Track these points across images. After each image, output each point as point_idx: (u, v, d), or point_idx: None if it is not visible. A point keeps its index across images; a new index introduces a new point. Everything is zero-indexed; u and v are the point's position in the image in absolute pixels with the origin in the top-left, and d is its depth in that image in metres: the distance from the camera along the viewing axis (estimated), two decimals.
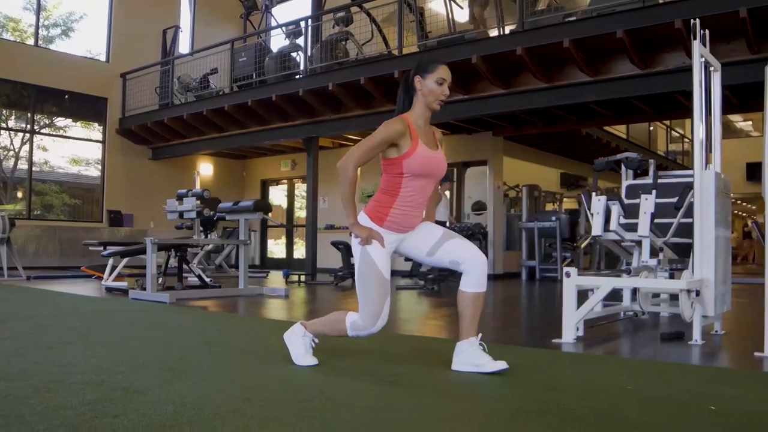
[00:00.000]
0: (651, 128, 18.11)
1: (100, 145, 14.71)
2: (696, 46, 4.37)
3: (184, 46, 15.63)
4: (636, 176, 7.10)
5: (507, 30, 9.16)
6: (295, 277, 10.64)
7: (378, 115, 10.45)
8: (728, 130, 21.26)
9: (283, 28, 11.87)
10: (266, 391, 2.74)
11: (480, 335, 3.16)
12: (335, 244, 10.20)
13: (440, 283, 9.08)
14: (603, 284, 4.29)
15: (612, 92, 8.47)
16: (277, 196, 16.58)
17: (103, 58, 14.82)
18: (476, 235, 10.80)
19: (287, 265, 14.58)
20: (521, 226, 12.23)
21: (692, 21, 4.41)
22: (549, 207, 13.78)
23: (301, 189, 15.70)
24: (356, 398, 2.65)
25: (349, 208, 3.08)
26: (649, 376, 3.25)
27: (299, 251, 15.64)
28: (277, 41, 12.87)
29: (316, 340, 3.32)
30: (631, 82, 8.12)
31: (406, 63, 9.40)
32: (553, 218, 11.59)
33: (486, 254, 10.94)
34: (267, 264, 15.81)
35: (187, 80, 13.45)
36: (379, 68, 9.71)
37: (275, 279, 11.27)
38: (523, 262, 12.11)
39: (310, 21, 11.33)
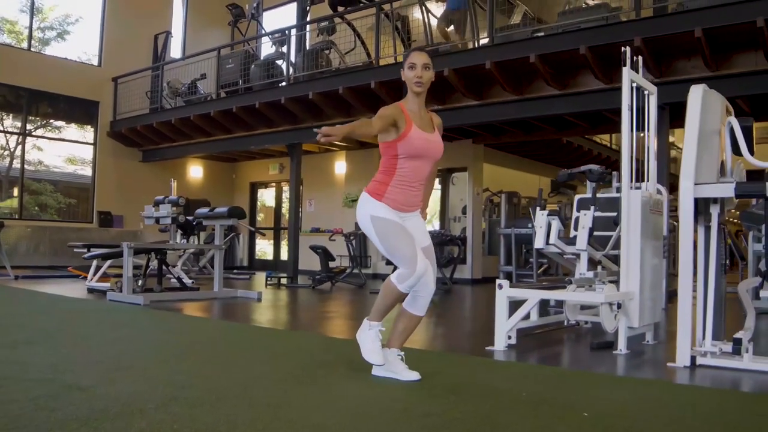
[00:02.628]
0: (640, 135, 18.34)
1: (91, 147, 14.96)
2: (626, 72, 4.64)
3: (175, 51, 15.89)
4: (600, 188, 7.37)
5: (483, 42, 9.42)
6: (275, 280, 10.89)
7: None
8: None
9: (269, 35, 12.14)
10: (194, 390, 3.01)
11: (402, 354, 3.43)
12: (314, 248, 10.46)
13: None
14: (531, 296, 4.55)
15: (581, 105, 8.72)
16: (267, 198, 16.86)
17: (95, 62, 15.09)
18: (455, 240, 11.05)
19: (274, 266, 14.84)
20: (499, 232, 12.48)
21: (623, 48, 4.67)
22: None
23: (288, 192, 15.96)
24: (269, 398, 2.92)
25: (350, 124, 3.18)
26: (554, 382, 3.51)
27: (286, 253, 15.90)
28: (267, 48, 13.13)
29: (383, 328, 3.38)
30: (598, 95, 8.36)
31: (382, 74, 9.68)
32: (530, 225, 11.82)
33: (464, 260, 11.14)
34: (255, 265, 16.08)
35: (176, 85, 13.71)
36: (357, 78, 9.97)
37: (259, 281, 11.53)
38: (501, 267, 12.34)
39: (294, 30, 11.58)
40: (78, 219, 14.84)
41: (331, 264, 10.57)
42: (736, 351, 3.98)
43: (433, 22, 10.56)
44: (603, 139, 15.43)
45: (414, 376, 3.31)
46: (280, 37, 11.70)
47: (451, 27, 10.06)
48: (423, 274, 3.21)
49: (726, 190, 4.07)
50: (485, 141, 12.56)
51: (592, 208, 5.24)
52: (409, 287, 3.23)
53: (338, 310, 7.55)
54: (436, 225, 13.52)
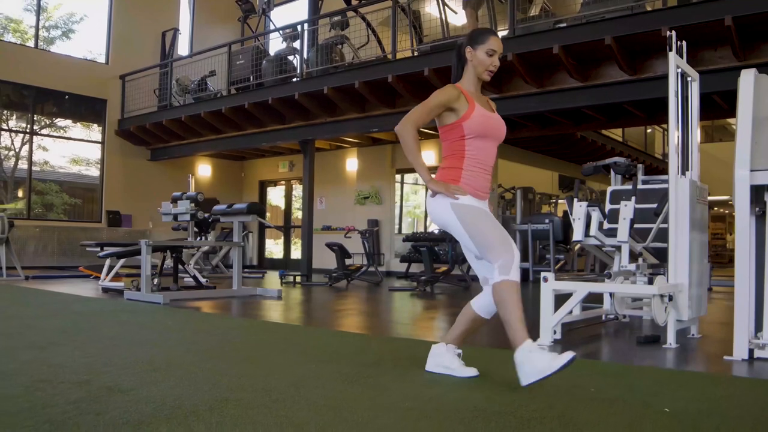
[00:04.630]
0: (648, 131, 18.22)
1: (99, 145, 14.84)
2: (672, 57, 4.48)
3: (182, 48, 15.77)
4: (624, 180, 7.22)
5: (503, 34, 9.27)
6: (290, 278, 10.76)
7: (373, 119, 10.60)
8: (727, 133, 21.37)
9: (280, 31, 12.00)
10: (243, 391, 2.86)
11: (461, 351, 3.29)
12: (330, 245, 10.31)
13: (432, 284, 9.20)
14: (578, 289, 4.40)
15: (603, 98, 8.56)
16: (275, 196, 16.72)
17: (102, 59, 14.95)
18: None
19: (284, 265, 14.70)
20: (515, 228, 12.33)
21: (668, 32, 4.52)
22: (545, 209, 13.87)
23: (298, 190, 15.82)
24: (326, 399, 2.76)
25: (423, 167, 3.00)
26: (616, 378, 3.36)
27: (297, 252, 15.77)
28: (275, 44, 12.99)
29: (534, 341, 2.89)
30: (621, 87, 8.22)
31: (399, 67, 9.53)
32: (547, 221, 11.67)
33: None
34: (264, 264, 15.94)
35: (185, 82, 13.58)
36: (374, 72, 9.82)
37: (271, 279, 11.40)
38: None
39: (306, 25, 11.43)
40: (85, 219, 14.69)
41: (347, 261, 10.43)
42: None
43: (451, 15, 10.40)
44: (615, 134, 15.27)
45: (472, 372, 3.18)
46: (292, 32, 11.56)
47: (481, 8, 9.86)
48: (518, 256, 2.91)
49: None
50: None
51: (633, 199, 5.07)
52: (517, 275, 2.88)
53: (362, 308, 7.41)
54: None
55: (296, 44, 11.48)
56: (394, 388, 3.00)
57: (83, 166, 15.10)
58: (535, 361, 2.75)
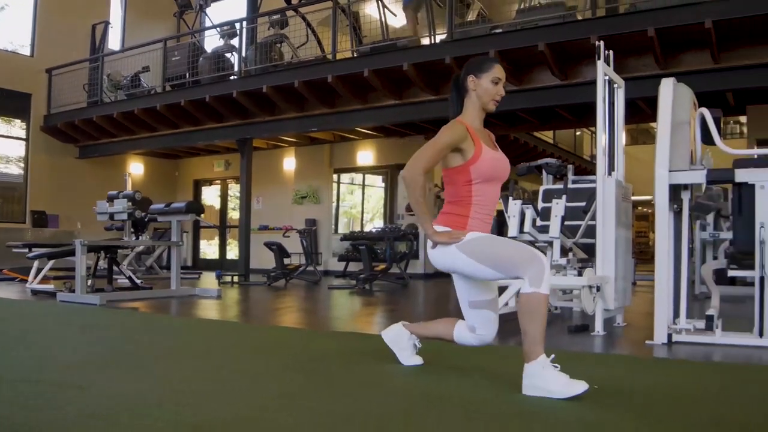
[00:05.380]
0: (577, 133, 18.91)
1: (23, 142, 14.29)
2: (600, 65, 4.82)
3: (114, 42, 15.42)
4: (555, 180, 7.59)
5: (438, 39, 9.56)
6: (227, 278, 10.79)
7: (312, 118, 10.74)
8: (649, 136, 22.31)
9: (218, 28, 11.99)
10: (198, 384, 3.04)
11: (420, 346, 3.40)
12: (268, 244, 10.40)
13: (371, 282, 9.40)
14: (514, 282, 4.67)
15: (536, 101, 8.96)
16: (211, 196, 16.61)
17: (27, 51, 14.40)
18: (408, 235, 11.15)
19: (220, 265, 14.63)
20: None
21: (596, 41, 4.85)
22: None
23: (234, 189, 15.78)
24: (279, 388, 2.95)
25: (426, 216, 2.86)
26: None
27: (232, 252, 15.74)
28: (212, 41, 12.94)
29: (552, 356, 2.73)
30: (553, 91, 8.62)
31: (339, 68, 9.70)
32: None
33: (417, 255, 11.28)
34: (199, 265, 15.82)
35: (117, 78, 13.33)
36: (314, 72, 9.96)
37: (208, 280, 11.39)
38: None
39: (245, 22, 11.47)
40: (6, 219, 14.04)
41: (286, 261, 10.53)
42: (709, 327, 4.22)
43: (390, 17, 10.63)
44: (546, 136, 15.82)
45: (417, 361, 3.34)
46: (230, 29, 11.57)
47: (421, 11, 10.11)
48: (545, 260, 2.76)
49: (698, 176, 4.29)
50: None
51: (564, 197, 5.40)
52: (549, 280, 2.71)
53: (304, 306, 7.58)
54: (379, 224, 13.62)
55: (234, 42, 11.49)
56: (342, 376, 3.20)
57: (3, 164, 14.47)
58: (549, 379, 2.65)
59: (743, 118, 14.10)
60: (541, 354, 2.68)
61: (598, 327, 4.66)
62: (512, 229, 5.53)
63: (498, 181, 2.99)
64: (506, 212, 5.73)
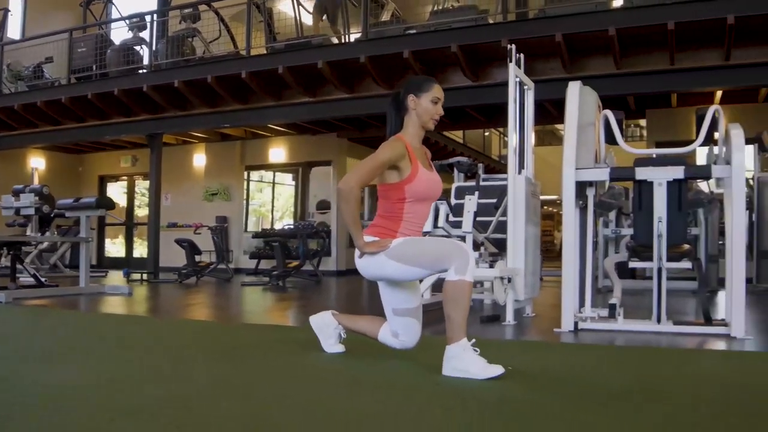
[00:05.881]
0: (486, 134, 19.43)
1: None
2: (512, 67, 5.04)
3: (14, 31, 14.76)
4: (467, 178, 7.83)
5: (353, 38, 9.68)
6: (136, 276, 10.55)
7: (224, 114, 10.62)
8: (555, 138, 23.18)
9: (127, 20, 11.68)
10: (128, 372, 3.06)
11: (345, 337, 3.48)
12: (179, 241, 10.24)
13: (285, 279, 9.42)
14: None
15: (448, 101, 8.86)
16: (116, 193, 16.12)
17: None
18: (320, 233, 11.22)
19: (126, 264, 14.23)
20: (364, 225, 12.79)
21: (508, 45, 5.07)
22: None
23: (141, 186, 15.41)
24: (207, 374, 2.99)
25: (358, 230, 2.95)
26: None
27: (138, 250, 15.36)
28: (119, 33, 12.57)
29: (473, 340, 2.89)
30: (465, 92, 8.85)
31: (253, 64, 9.67)
32: None
33: (329, 253, 11.37)
34: (104, 264, 15.34)
35: (17, 68, 12.77)
36: (227, 68, 9.88)
37: (115, 278, 11.11)
38: None
39: (155, 15, 11.23)
40: None
41: (197, 258, 10.39)
42: (612, 315, 4.51)
43: (304, 14, 10.67)
44: (456, 135, 16.18)
45: (339, 349, 3.43)
46: (140, 22, 11.31)
47: (325, 17, 10.21)
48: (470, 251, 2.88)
49: (602, 174, 4.57)
50: (350, 135, 12.83)
51: (476, 194, 5.61)
52: (473, 269, 2.84)
53: (218, 302, 7.54)
54: (289, 222, 13.61)
55: (144, 34, 11.23)
56: (268, 363, 3.29)
57: None
58: (468, 361, 2.79)
59: (643, 122, 14.84)
60: (463, 338, 2.82)
61: (509, 317, 4.88)
62: (427, 224, 5.68)
63: (430, 201, 3.09)
64: None
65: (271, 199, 15.04)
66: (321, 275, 10.62)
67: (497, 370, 2.78)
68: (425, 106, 3.05)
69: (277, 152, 13.61)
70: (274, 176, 14.82)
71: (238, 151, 13.80)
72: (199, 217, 12.99)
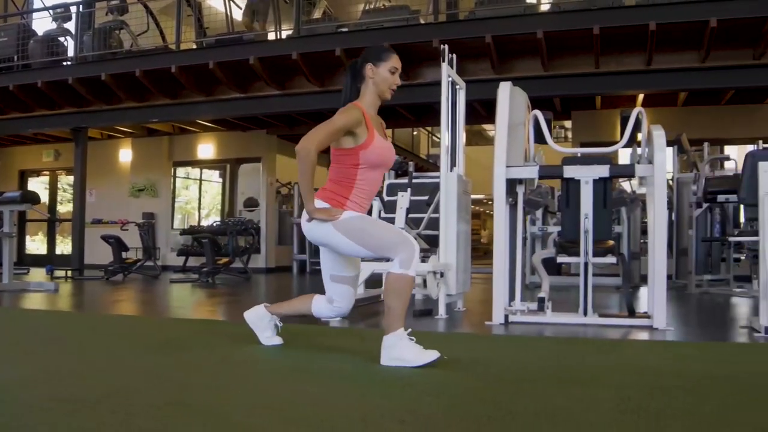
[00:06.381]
0: (414, 133, 19.63)
1: None
2: (444, 67, 5.14)
3: None
4: (397, 176, 7.92)
5: (288, 33, 9.64)
6: (61, 273, 10.24)
7: (153, 109, 10.42)
8: (482, 138, 23.62)
9: (50, 11, 11.32)
10: (64, 365, 2.99)
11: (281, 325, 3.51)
12: (106, 238, 9.99)
13: (214, 276, 9.31)
14: (364, 269, 4.89)
15: None
16: (38, 188, 15.56)
17: None
18: (250, 230, 11.13)
19: (48, 261, 13.78)
20: (293, 222, 12.77)
21: (442, 46, 5.17)
22: None
23: (64, 181, 14.95)
24: (143, 367, 2.96)
25: (310, 193, 2.94)
26: None
27: (61, 247, 14.89)
28: (44, 23, 12.18)
29: (409, 330, 2.98)
30: (396, 91, 8.91)
31: (183, 58, 9.52)
32: None
33: (259, 250, 11.30)
34: (25, 261, 14.81)
35: None
36: (156, 62, 9.69)
37: (38, 275, 10.76)
38: (295, 256, 12.66)
39: (81, 6, 10.90)
40: None
41: (124, 255, 10.16)
42: (540, 308, 4.67)
43: (236, 10, 10.56)
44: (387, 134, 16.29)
45: (276, 341, 3.45)
46: (64, 12, 10.97)
47: (256, 23, 10.14)
48: (418, 247, 2.95)
49: (532, 172, 4.72)
50: (280, 132, 12.77)
51: (409, 191, 5.70)
52: (415, 270, 2.92)
53: (148, 298, 7.40)
54: (216, 219, 13.47)
55: (68, 26, 10.90)
56: (205, 356, 3.29)
57: None
58: (404, 349, 2.88)
59: (568, 123, 15.27)
60: (400, 328, 2.91)
61: (442, 311, 4.98)
62: None
63: (383, 169, 3.12)
64: None
65: (197, 196, 14.83)
66: (250, 272, 10.54)
67: (433, 355, 2.87)
68: (383, 75, 3.05)
69: (206, 148, 13.42)
70: (201, 173, 14.62)
71: (165, 147, 13.53)
72: (125, 214, 12.71)
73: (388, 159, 3.10)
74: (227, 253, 10.19)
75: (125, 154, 13.78)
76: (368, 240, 2.93)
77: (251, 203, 13.17)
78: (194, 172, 14.63)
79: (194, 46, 10.10)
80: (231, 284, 9.09)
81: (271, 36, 9.95)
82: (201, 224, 13.31)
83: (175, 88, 10.09)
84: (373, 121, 3.08)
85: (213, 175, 14.72)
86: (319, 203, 3.00)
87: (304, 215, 3.02)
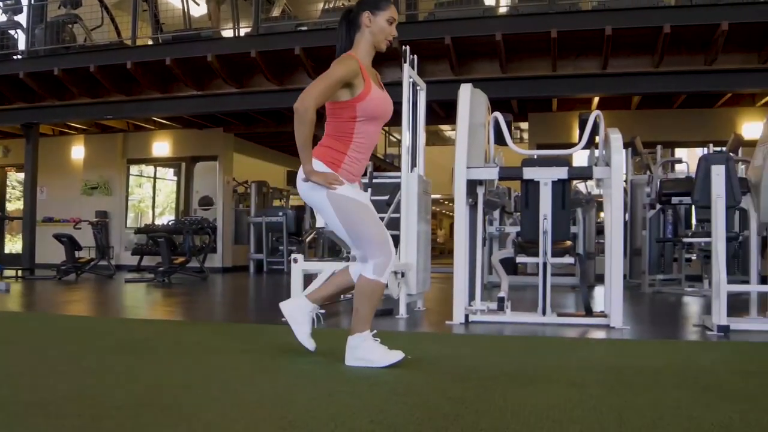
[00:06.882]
0: None
1: None
2: (406, 68, 5.16)
3: None
4: None
5: (246, 30, 9.57)
6: (11, 272, 9.97)
7: (107, 105, 10.23)
8: (439, 138, 23.73)
9: (0, 3, 11.02)
10: (27, 364, 2.92)
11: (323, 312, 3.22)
12: (58, 236, 9.78)
13: (170, 275, 9.18)
14: (325, 268, 4.89)
15: None
16: None
17: None
18: (206, 229, 11.00)
19: None
20: (250, 221, 12.68)
21: (403, 47, 5.19)
22: (276, 203, 14.41)
23: (13, 178, 14.56)
24: (109, 366, 2.93)
25: (307, 152, 2.82)
26: None
27: (10, 246, 14.51)
28: None
29: (374, 331, 2.98)
30: None
31: (139, 54, 9.36)
32: (281, 213, 12.21)
33: (215, 249, 11.20)
34: None
35: None
36: (111, 57, 9.51)
37: None
38: (251, 255, 12.57)
39: None
40: None
41: (77, 254, 9.95)
42: (500, 308, 4.72)
43: (193, 6, 10.42)
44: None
45: (310, 345, 3.11)
46: (14, 5, 10.69)
47: (225, 4, 9.99)
48: (394, 256, 2.91)
49: (492, 173, 4.78)
50: (237, 130, 12.66)
51: (369, 190, 5.70)
52: (388, 277, 2.90)
53: (104, 298, 7.27)
54: (170, 218, 13.30)
55: (19, 18, 10.62)
56: (170, 354, 3.27)
57: None
58: (369, 350, 2.87)
59: (524, 125, 15.46)
60: (366, 330, 2.92)
61: (402, 310, 5.00)
62: (320, 220, 5.73)
63: (381, 121, 2.99)
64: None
65: (152, 194, 14.62)
66: (207, 271, 10.43)
67: (397, 355, 2.88)
68: (381, 25, 2.94)
69: (161, 146, 13.23)
70: (155, 171, 14.42)
71: (119, 144, 13.28)
72: (78, 212, 12.45)
73: (386, 111, 2.98)
74: (183, 252, 10.07)
75: (78, 151, 13.49)
76: (353, 227, 2.87)
77: (207, 202, 13.04)
78: (149, 170, 14.43)
79: (150, 42, 9.94)
80: (188, 284, 8.98)
81: (230, 33, 9.85)
82: (155, 223, 13.10)
83: (130, 85, 9.91)
84: (369, 71, 2.96)
85: (168, 173, 14.53)
86: (316, 164, 2.86)
87: (300, 173, 2.90)
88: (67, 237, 9.71)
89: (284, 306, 3.15)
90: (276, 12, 10.06)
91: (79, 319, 5.18)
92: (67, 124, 12.46)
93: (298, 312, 3.11)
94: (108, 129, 12.95)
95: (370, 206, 2.95)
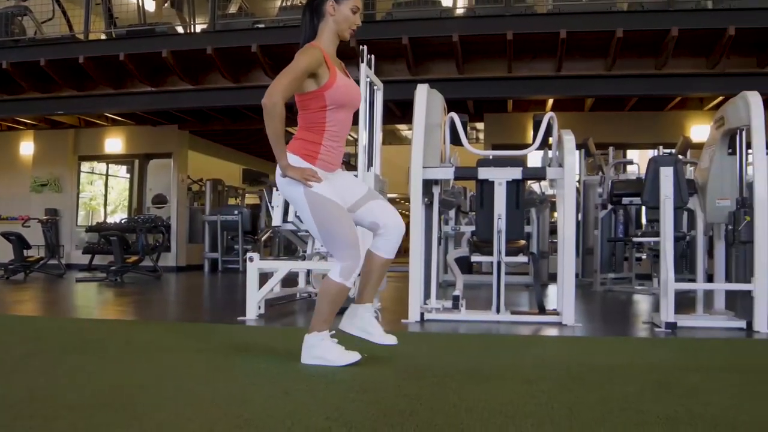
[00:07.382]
0: None
1: None
2: (363, 68, 5.17)
3: None
4: None
5: (198, 28, 9.46)
6: None
7: (59, 100, 10.02)
8: (395, 137, 23.77)
9: None
10: None
11: (379, 306, 3.12)
12: (6, 235, 9.54)
13: (123, 274, 9.04)
14: (281, 267, 4.88)
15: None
16: None
17: None
18: (160, 227, 10.85)
19: None
20: (204, 220, 12.55)
21: (361, 46, 5.21)
22: (232, 201, 14.29)
23: None
24: (70, 365, 2.87)
25: (281, 147, 2.78)
26: None
27: None
28: None
29: (333, 331, 2.97)
30: None
31: (92, 49, 9.18)
32: (236, 212, 12.12)
33: (169, 248, 11.07)
34: None
35: None
36: (63, 51, 9.30)
37: None
38: (206, 254, 12.44)
39: None
40: None
41: (26, 252, 9.72)
42: (455, 306, 4.77)
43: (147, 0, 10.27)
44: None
45: (391, 340, 3.06)
46: None
47: (167, 4, 9.88)
48: (363, 261, 2.93)
49: (448, 172, 4.83)
50: (192, 127, 12.51)
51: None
52: (354, 280, 2.91)
53: (56, 297, 7.12)
54: (122, 216, 13.10)
55: None
56: (128, 353, 3.22)
57: None
58: (326, 349, 2.89)
59: (480, 125, 15.59)
60: (325, 329, 2.92)
61: None
62: (276, 218, 5.72)
63: (351, 108, 2.97)
64: (269, 202, 5.91)
65: (104, 192, 14.36)
66: (161, 270, 10.29)
67: (354, 356, 2.90)
68: (345, 14, 2.93)
69: (114, 143, 12.99)
70: (107, 168, 14.17)
71: (70, 140, 13.00)
72: (26, 210, 12.17)
73: (354, 98, 2.98)
74: (136, 251, 9.92)
75: (27, 147, 13.15)
76: (325, 226, 2.84)
77: (160, 200, 12.86)
78: (101, 167, 14.17)
79: (103, 37, 9.76)
80: (141, 283, 8.86)
81: (180, 29, 9.73)
82: (107, 221, 12.87)
83: (82, 80, 9.72)
84: (334, 60, 2.96)
85: (120, 171, 14.28)
86: (292, 158, 2.83)
87: (278, 169, 2.86)
88: (15, 235, 9.48)
89: (345, 326, 3.06)
90: (233, 9, 9.97)
91: (29, 319, 5.08)
92: (16, 119, 12.13)
93: (366, 324, 3.04)
94: (59, 125, 12.66)
95: (344, 210, 2.89)
